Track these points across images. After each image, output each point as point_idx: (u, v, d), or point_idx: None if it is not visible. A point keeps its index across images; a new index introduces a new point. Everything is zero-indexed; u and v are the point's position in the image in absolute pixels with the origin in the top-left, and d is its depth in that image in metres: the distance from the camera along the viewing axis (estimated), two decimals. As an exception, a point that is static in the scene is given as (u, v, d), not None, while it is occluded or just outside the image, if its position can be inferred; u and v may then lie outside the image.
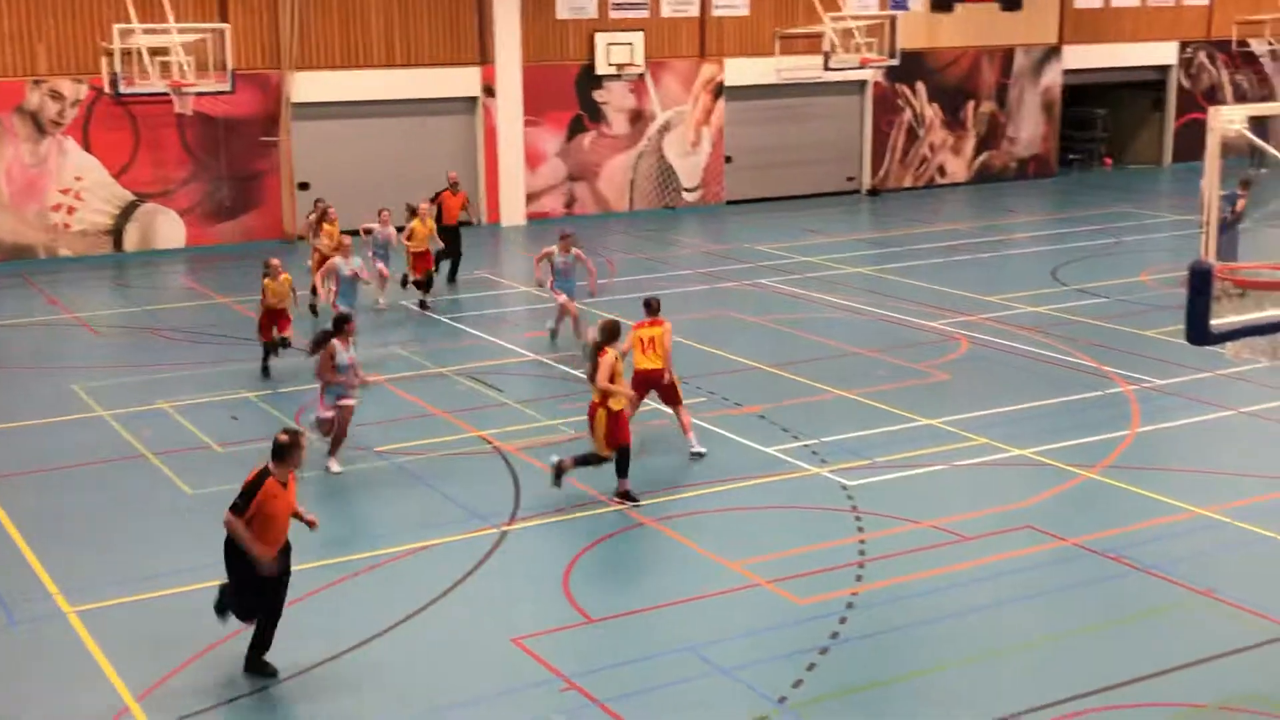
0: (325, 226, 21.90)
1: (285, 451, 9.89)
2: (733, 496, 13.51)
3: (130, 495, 13.95)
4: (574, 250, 19.37)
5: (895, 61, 32.55)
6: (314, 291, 20.64)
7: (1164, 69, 39.83)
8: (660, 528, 12.70)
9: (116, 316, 22.79)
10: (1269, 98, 39.41)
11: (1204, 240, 8.07)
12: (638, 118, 32.71)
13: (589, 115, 32.22)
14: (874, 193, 35.42)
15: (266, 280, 18.67)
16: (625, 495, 13.31)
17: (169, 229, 28.82)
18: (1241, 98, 39.71)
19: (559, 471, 13.32)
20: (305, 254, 24.14)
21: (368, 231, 22.64)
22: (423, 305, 22.36)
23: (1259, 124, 8.46)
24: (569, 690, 9.72)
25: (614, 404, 13.17)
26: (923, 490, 13.65)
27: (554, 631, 10.69)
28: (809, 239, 28.76)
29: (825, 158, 35.28)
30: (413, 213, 22.55)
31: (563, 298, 19.31)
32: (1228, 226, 20.79)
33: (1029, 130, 37.69)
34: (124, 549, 12.55)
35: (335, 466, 14.36)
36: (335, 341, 14.11)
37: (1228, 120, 8.13)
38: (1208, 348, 8.82)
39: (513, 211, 31.37)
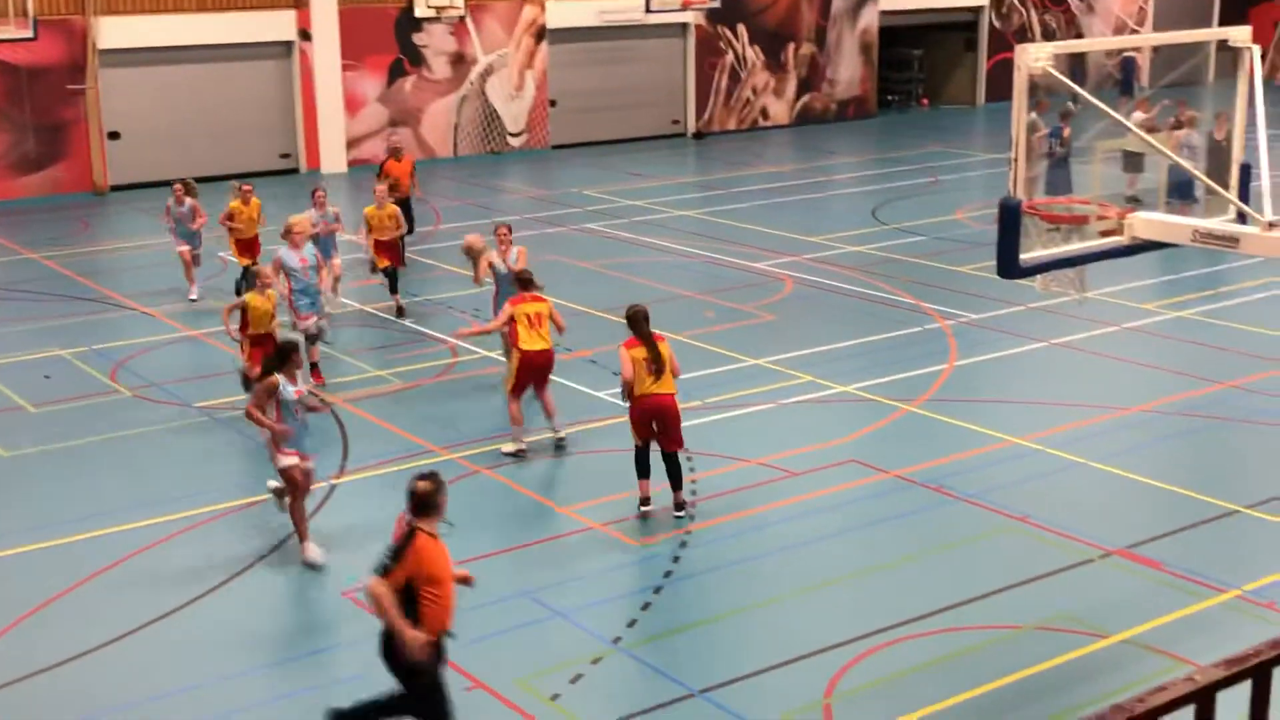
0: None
1: (431, 500, 7.72)
2: (570, 442, 13.53)
3: (-62, 460, 13.43)
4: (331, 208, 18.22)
5: (716, 4, 32.66)
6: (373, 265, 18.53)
7: (976, 10, 40.72)
8: (493, 475, 12.69)
9: (-83, 275, 21.83)
10: (1077, 38, 40.61)
11: (1013, 177, 8.31)
12: (459, 61, 32.32)
13: (409, 59, 31.72)
14: (699, 136, 35.63)
15: (236, 204, 18.25)
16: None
17: (-29, 182, 27.65)
18: (1049, 37, 40.87)
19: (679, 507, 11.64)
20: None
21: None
22: (400, 312, 18.39)
23: (1079, 62, 8.71)
24: (404, 640, 9.67)
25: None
26: (751, 429, 13.88)
27: (387, 582, 10.61)
28: (635, 183, 28.83)
29: (650, 101, 35.33)
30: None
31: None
32: (1058, 161, 21.42)
33: (848, 72, 38.23)
34: (-66, 516, 12.10)
35: (313, 554, 11.03)
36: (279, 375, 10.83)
37: (1034, 58, 8.36)
38: (1018, 281, 9.11)
39: (333, 158, 30.78)
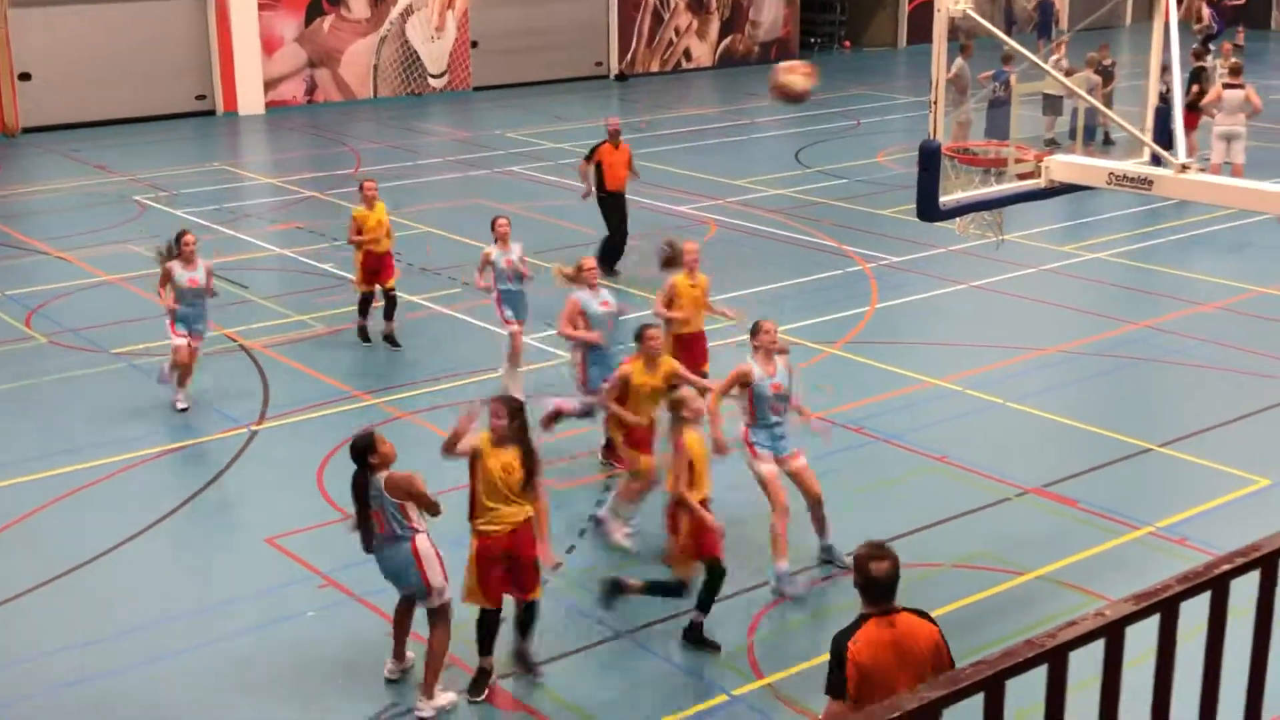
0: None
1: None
2: (489, 387, 13.50)
3: None
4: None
5: (639, -56, 32.34)
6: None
7: (898, -48, 40.78)
8: (417, 420, 12.63)
9: None
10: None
11: (932, 119, 8.36)
12: (379, 1, 31.85)
13: (328, -1, 31.23)
14: (622, 77, 35.43)
15: (360, 210, 14.41)
16: (698, 636, 9.00)
17: (-125, 124, 26.91)
18: (971, -19, 40.91)
19: (617, 590, 9.22)
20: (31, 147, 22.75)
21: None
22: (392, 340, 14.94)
23: (1004, 4, 8.77)
24: (327, 587, 9.67)
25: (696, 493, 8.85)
26: (674, 372, 13.89)
27: (309, 529, 10.58)
28: (559, 125, 28.65)
29: (573, 42, 35.05)
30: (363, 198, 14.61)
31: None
32: (1000, 104, 21.50)
33: (770, 14, 38.14)
34: None
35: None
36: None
37: (954, 1, 8.38)
38: (938, 224, 9.18)
39: (251, 100, 30.27)
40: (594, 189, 17.31)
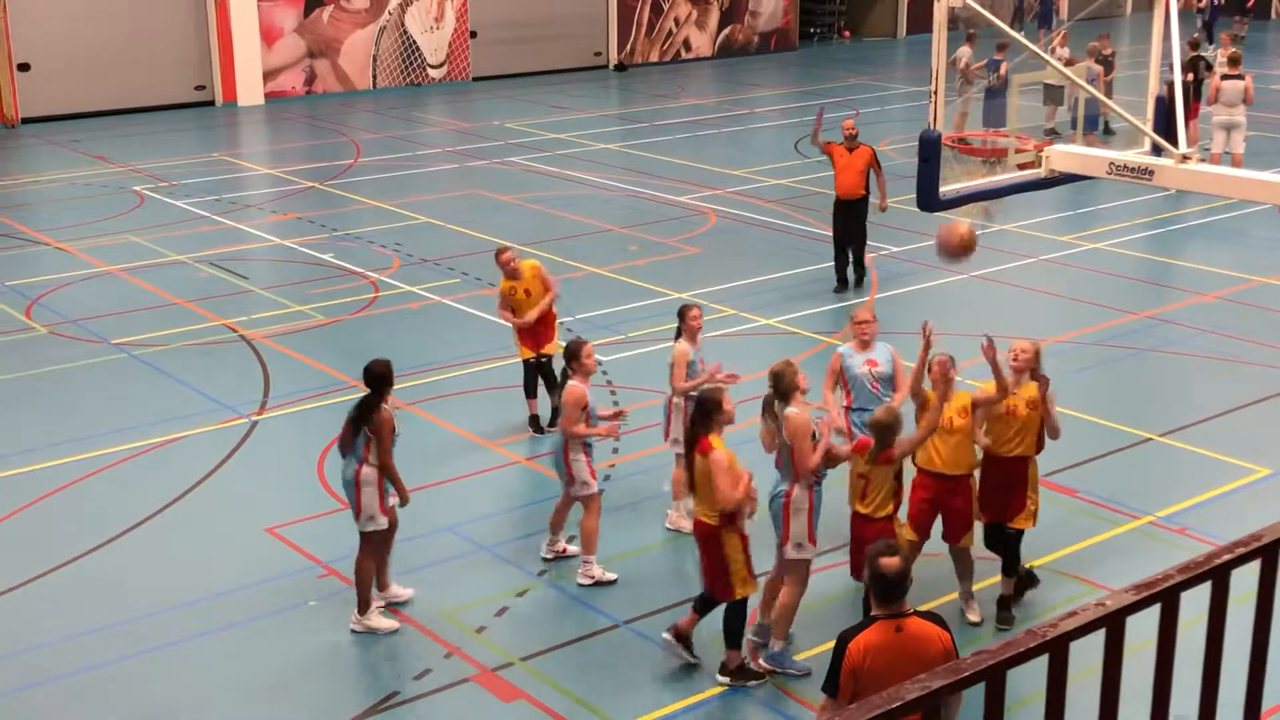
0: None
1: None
2: (487, 376, 13.52)
3: None
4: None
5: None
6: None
7: (898, -58, 40.72)
8: (415, 410, 12.64)
9: None
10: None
11: (932, 109, 8.34)
12: (378, -8, 31.82)
13: (327, -11, 31.18)
14: (621, 68, 35.39)
15: (504, 284, 11.91)
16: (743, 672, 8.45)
17: (-127, 115, 26.87)
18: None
19: (682, 640, 8.49)
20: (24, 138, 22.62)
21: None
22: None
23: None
24: (327, 576, 9.67)
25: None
26: (674, 362, 13.88)
27: (310, 519, 10.59)
28: (558, 115, 28.62)
29: (572, 33, 35.00)
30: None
31: None
32: (995, 93, 21.51)
33: (770, 4, 38.07)
34: None
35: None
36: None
37: (953, -8, 8.35)
38: (938, 214, 9.16)
39: (250, 90, 30.24)
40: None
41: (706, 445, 8.09)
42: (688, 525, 9.62)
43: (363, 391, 9.07)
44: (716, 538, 8.10)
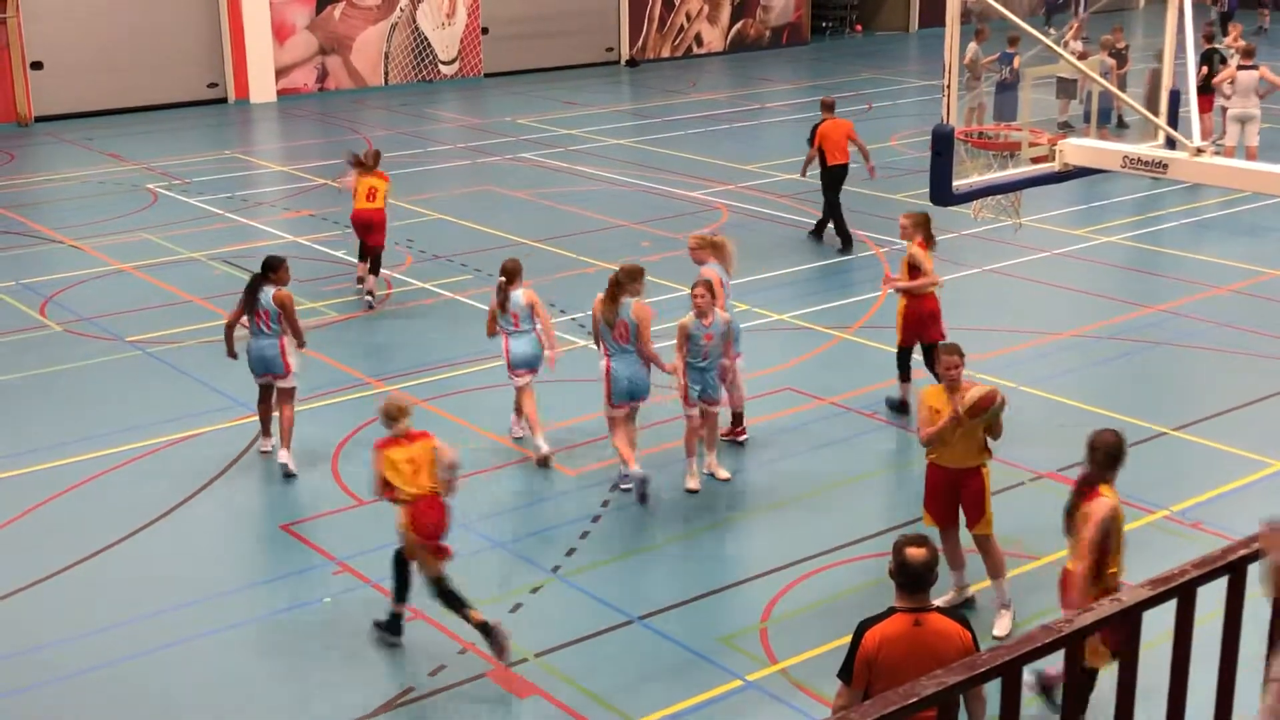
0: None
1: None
2: (501, 373, 13.51)
3: None
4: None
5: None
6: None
7: (910, -65, 40.61)
8: (429, 407, 12.64)
9: None
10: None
11: (946, 103, 8.33)
12: (390, -12, 31.84)
13: (339, -14, 31.20)
14: (632, 63, 35.35)
15: (357, 173, 15.29)
16: None
17: (-112, 114, 26.96)
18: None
19: (1045, 689, 7.94)
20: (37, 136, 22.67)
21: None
22: None
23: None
24: (342, 573, 9.69)
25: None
26: (687, 358, 13.88)
27: (324, 515, 10.61)
28: (570, 111, 28.61)
29: (583, 28, 34.97)
30: None
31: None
32: (1008, 87, 21.47)
33: (782, -2, 38.05)
34: None
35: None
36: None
37: (967, -14, 8.34)
38: (952, 208, 9.15)
39: (262, 88, 30.27)
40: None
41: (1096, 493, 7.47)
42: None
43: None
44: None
